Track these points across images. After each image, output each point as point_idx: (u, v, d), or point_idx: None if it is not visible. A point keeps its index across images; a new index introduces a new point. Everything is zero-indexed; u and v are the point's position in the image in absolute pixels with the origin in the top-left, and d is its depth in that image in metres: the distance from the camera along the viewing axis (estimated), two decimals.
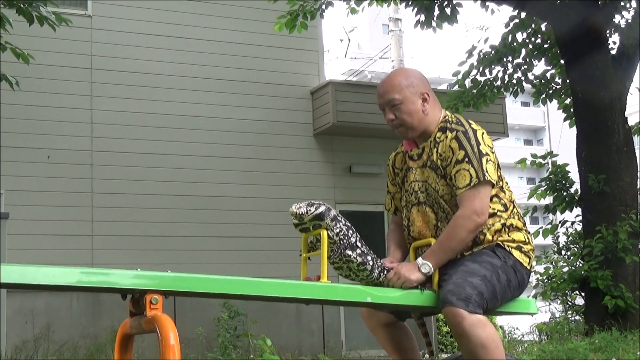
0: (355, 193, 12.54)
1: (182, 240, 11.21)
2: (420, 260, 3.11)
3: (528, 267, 3.21)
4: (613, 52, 10.00)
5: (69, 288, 2.65)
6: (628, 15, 10.72)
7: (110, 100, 11.30)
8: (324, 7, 10.58)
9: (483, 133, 3.20)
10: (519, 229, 3.23)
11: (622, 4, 10.39)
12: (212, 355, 9.08)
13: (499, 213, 3.19)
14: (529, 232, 3.30)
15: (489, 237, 3.16)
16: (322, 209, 2.98)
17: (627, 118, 9.58)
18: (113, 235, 10.87)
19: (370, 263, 3.07)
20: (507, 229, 3.19)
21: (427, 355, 3.44)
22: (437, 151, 3.22)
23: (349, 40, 27.89)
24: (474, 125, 3.22)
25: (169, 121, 11.58)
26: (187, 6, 12.01)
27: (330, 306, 11.85)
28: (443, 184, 3.19)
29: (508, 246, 3.17)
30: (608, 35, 10.15)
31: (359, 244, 3.06)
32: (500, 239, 3.17)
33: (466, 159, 3.12)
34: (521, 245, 3.20)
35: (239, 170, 11.83)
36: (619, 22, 10.55)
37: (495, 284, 3.06)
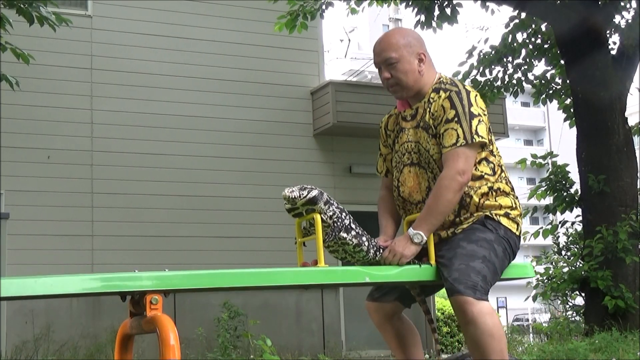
0: (355, 193, 12.53)
1: (182, 240, 11.21)
2: (411, 230, 3.10)
3: (517, 233, 3.22)
4: (613, 52, 10.00)
5: (68, 296, 2.65)
6: (628, 15, 10.73)
7: (110, 101, 11.30)
8: (324, 7, 10.58)
9: (476, 95, 3.20)
10: (506, 194, 3.23)
11: (622, 4, 10.39)
12: (212, 356, 9.08)
13: (486, 176, 3.19)
14: (517, 197, 3.29)
15: (475, 199, 3.16)
16: (314, 192, 2.97)
17: (627, 118, 9.59)
18: (113, 236, 10.87)
19: (366, 244, 3.08)
20: (494, 193, 3.19)
21: (435, 349, 3.44)
22: (429, 111, 3.22)
23: (349, 40, 27.92)
24: (468, 87, 3.22)
25: (169, 121, 11.58)
26: (187, 6, 12.02)
27: (331, 306, 11.86)
28: (434, 144, 3.19)
29: (496, 215, 3.17)
30: (608, 35, 10.16)
31: (352, 226, 3.05)
32: (487, 202, 3.16)
33: (455, 119, 3.11)
34: (508, 211, 3.20)
35: (239, 171, 11.83)
36: (619, 22, 10.55)
37: (494, 260, 3.08)
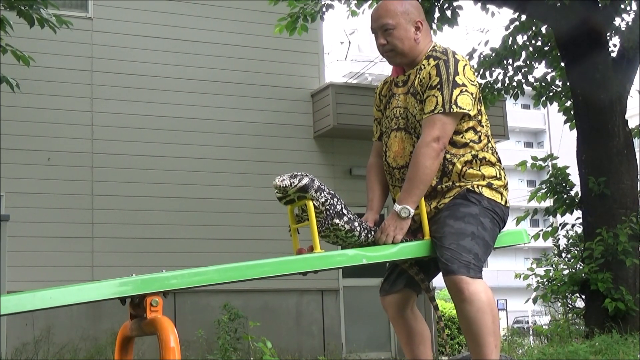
0: (355, 195, 12.50)
1: (183, 242, 11.21)
2: (397, 206, 3.11)
3: (503, 203, 3.22)
4: (613, 54, 10.00)
5: (68, 306, 2.64)
6: (628, 17, 10.73)
7: (111, 103, 11.30)
8: (324, 9, 10.58)
9: (465, 65, 3.20)
10: (491, 164, 3.23)
11: (622, 6, 10.39)
12: (212, 358, 9.08)
13: (471, 144, 3.19)
14: (503, 169, 3.29)
15: (458, 166, 3.16)
16: (305, 180, 2.98)
17: (627, 120, 9.59)
18: (113, 238, 10.87)
19: (358, 229, 3.09)
20: (478, 162, 3.19)
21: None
22: (418, 77, 3.23)
23: (350, 42, 27.91)
24: (458, 56, 3.21)
25: (170, 123, 11.58)
26: (188, 9, 12.02)
27: (331, 308, 11.85)
28: (420, 109, 3.20)
29: (478, 186, 3.16)
30: (608, 37, 10.16)
31: (344, 212, 3.06)
32: (469, 171, 3.16)
33: (438, 86, 3.12)
34: (491, 182, 3.19)
35: (239, 173, 11.84)
36: (619, 24, 10.55)
37: (483, 235, 3.09)
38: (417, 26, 3.27)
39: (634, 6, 10.49)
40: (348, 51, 27.81)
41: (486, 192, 3.18)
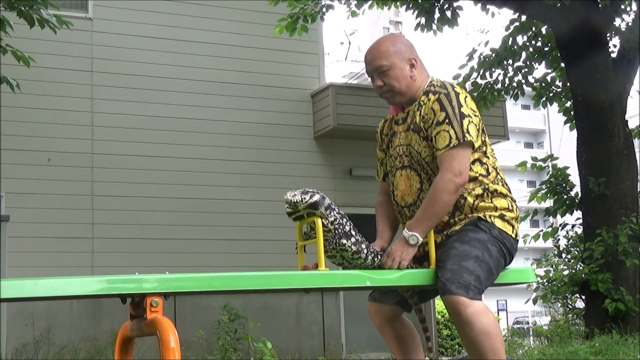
0: (355, 196, 12.53)
1: (183, 242, 11.21)
2: (406, 232, 3.10)
3: (513, 235, 3.20)
4: (613, 55, 10.00)
5: (68, 297, 2.65)
6: (628, 18, 10.73)
7: (111, 103, 11.30)
8: (324, 9, 10.58)
9: (466, 96, 3.20)
10: (503, 196, 3.22)
11: (622, 7, 10.39)
12: (212, 358, 9.08)
13: (480, 177, 3.18)
14: (514, 200, 3.28)
15: (469, 200, 3.16)
16: (316, 197, 2.97)
17: (627, 121, 9.59)
18: (113, 238, 10.86)
19: (365, 251, 3.08)
20: (489, 194, 3.18)
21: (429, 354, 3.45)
22: (420, 113, 3.22)
23: (350, 43, 27.93)
24: (458, 89, 3.21)
25: (170, 124, 11.58)
26: (188, 9, 12.02)
27: (331, 308, 11.85)
28: (425, 146, 3.19)
29: (490, 216, 3.16)
30: (608, 38, 10.15)
31: (352, 232, 3.06)
32: (481, 204, 3.16)
33: (447, 120, 3.11)
34: (504, 213, 3.18)
35: (240, 173, 11.83)
36: (620, 25, 10.55)
37: (488, 260, 3.06)
38: (411, 63, 3.27)
39: (634, 6, 10.49)
40: (348, 51, 27.84)
41: (498, 223, 3.17)
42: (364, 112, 11.86)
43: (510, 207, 3.22)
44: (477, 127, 3.16)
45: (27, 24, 7.57)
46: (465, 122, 3.11)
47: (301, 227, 3.11)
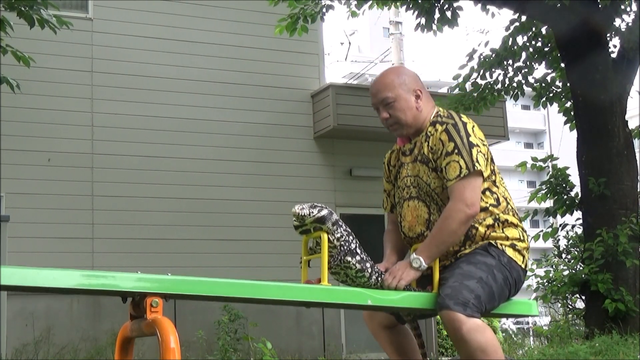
0: (355, 196, 12.54)
1: (183, 243, 11.21)
2: (412, 255, 3.11)
3: (523, 266, 3.19)
4: (613, 55, 9.99)
5: (70, 291, 2.65)
6: (628, 18, 10.72)
7: (111, 103, 11.30)
8: (324, 10, 10.58)
9: (473, 126, 3.20)
10: (514, 226, 3.21)
11: (622, 7, 10.38)
12: (212, 358, 9.08)
13: (491, 208, 3.18)
14: (525, 230, 3.27)
15: (481, 230, 3.15)
16: (324, 212, 2.98)
17: (627, 121, 9.58)
18: (113, 238, 10.87)
19: (369, 270, 3.08)
20: (500, 224, 3.17)
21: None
22: (427, 145, 3.22)
23: (350, 43, 27.91)
24: (465, 119, 3.21)
25: (170, 124, 11.58)
26: (188, 9, 12.02)
27: (331, 309, 11.85)
28: (434, 177, 3.19)
29: (501, 244, 3.15)
30: (608, 38, 10.15)
31: (358, 251, 3.06)
32: (493, 234, 3.15)
33: (456, 151, 3.11)
34: (515, 243, 3.17)
35: (240, 173, 11.84)
36: (620, 25, 10.54)
37: (491, 284, 3.04)
38: (417, 95, 3.27)
39: (634, 7, 10.48)
40: (348, 52, 27.82)
41: (509, 251, 3.15)
42: (364, 112, 11.85)
43: (522, 238, 3.21)
44: (486, 156, 3.16)
45: (27, 24, 7.57)
46: (474, 151, 3.11)
47: (307, 242, 3.11)
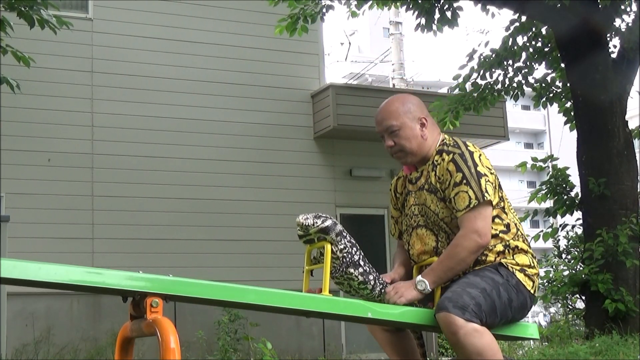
0: (355, 196, 12.54)
1: (183, 243, 11.21)
2: (419, 277, 3.10)
3: (532, 291, 3.16)
4: (613, 55, 9.99)
5: (70, 287, 2.64)
6: (628, 18, 10.72)
7: (111, 104, 11.31)
8: (324, 10, 10.58)
9: (480, 155, 3.18)
10: (524, 252, 3.19)
11: (622, 7, 10.39)
12: (212, 359, 9.08)
13: (501, 234, 3.16)
14: (535, 256, 3.25)
15: (491, 257, 3.14)
16: (328, 222, 2.98)
17: (627, 121, 9.58)
18: (114, 239, 10.87)
19: (372, 282, 3.08)
20: (510, 251, 3.16)
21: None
22: (435, 174, 3.21)
23: (350, 43, 27.92)
24: (471, 147, 3.20)
25: (170, 124, 11.58)
26: (188, 9, 12.03)
27: None
28: (442, 207, 3.18)
29: (512, 267, 3.13)
30: (608, 38, 10.15)
31: (361, 262, 3.06)
32: (503, 260, 3.14)
33: (464, 181, 3.10)
34: (525, 268, 3.16)
35: (240, 174, 11.84)
36: (620, 25, 10.55)
37: (495, 298, 3.02)
38: (422, 123, 3.26)
39: (634, 7, 10.49)
40: (348, 52, 27.83)
41: (518, 275, 3.14)
42: (364, 112, 11.85)
43: (532, 264, 3.19)
44: (494, 184, 3.15)
45: (27, 24, 7.57)
46: (483, 181, 3.09)
47: (310, 252, 3.11)
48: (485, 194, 3.08)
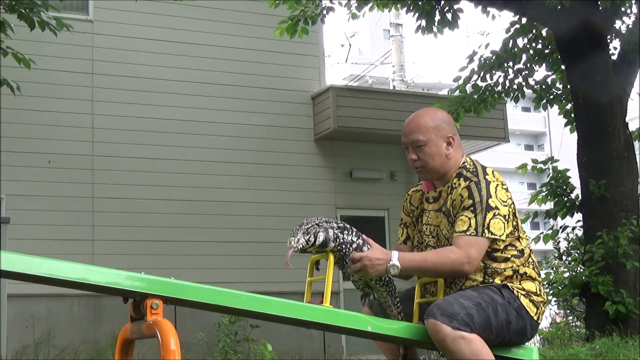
0: (355, 198, 12.54)
1: (183, 245, 11.21)
2: (395, 257, 2.98)
3: (535, 317, 3.10)
4: (614, 57, 9.99)
5: (72, 284, 2.64)
6: (629, 20, 10.72)
7: (112, 105, 11.31)
8: (324, 12, 10.58)
9: (497, 185, 3.11)
10: (532, 279, 3.14)
11: (622, 9, 10.39)
12: None
13: (512, 258, 3.12)
14: (543, 284, 3.20)
15: (497, 282, 3.09)
16: (321, 237, 2.91)
17: (627, 123, 9.58)
18: (114, 240, 10.87)
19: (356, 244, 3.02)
20: (519, 276, 3.11)
21: None
22: (451, 198, 3.16)
23: (350, 45, 27.93)
24: (490, 177, 3.13)
25: (170, 126, 11.59)
26: (189, 11, 12.03)
27: None
28: (453, 231, 3.12)
29: (517, 291, 3.09)
30: (609, 40, 10.15)
31: (355, 239, 3.00)
32: (509, 284, 3.09)
33: (471, 208, 3.05)
34: (531, 294, 3.11)
35: (240, 175, 11.84)
36: (620, 27, 10.55)
37: (490, 314, 2.95)
38: (448, 141, 3.19)
39: (634, 8, 10.49)
40: (348, 54, 27.84)
41: (522, 300, 3.08)
42: (365, 114, 11.86)
43: (538, 292, 3.14)
44: (506, 217, 3.08)
45: (27, 26, 7.58)
46: (489, 215, 3.03)
47: (313, 263, 3.09)
48: (485, 230, 3.02)
